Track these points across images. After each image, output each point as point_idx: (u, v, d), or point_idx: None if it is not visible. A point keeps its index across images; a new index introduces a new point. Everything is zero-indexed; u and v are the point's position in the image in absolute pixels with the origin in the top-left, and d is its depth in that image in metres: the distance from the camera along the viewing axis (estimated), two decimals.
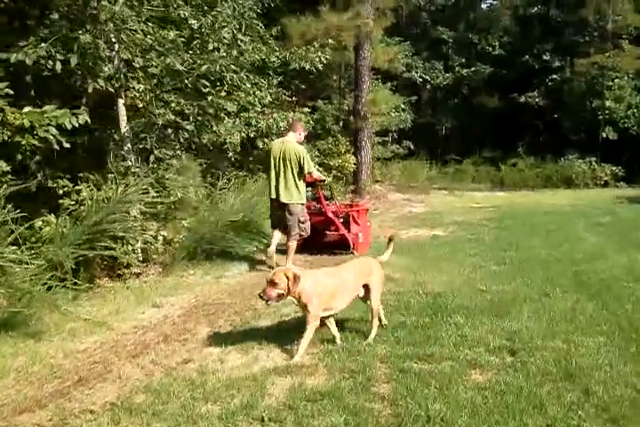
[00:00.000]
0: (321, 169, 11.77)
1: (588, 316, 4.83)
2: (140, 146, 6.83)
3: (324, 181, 7.70)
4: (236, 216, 7.47)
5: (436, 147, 26.42)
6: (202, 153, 12.45)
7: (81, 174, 6.28)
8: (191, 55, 6.54)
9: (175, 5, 7.67)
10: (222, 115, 10.95)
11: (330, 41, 12.86)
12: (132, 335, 4.71)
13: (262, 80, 11.42)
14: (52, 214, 5.88)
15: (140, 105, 7.38)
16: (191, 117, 6.94)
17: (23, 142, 5.29)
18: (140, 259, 6.94)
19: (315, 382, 3.66)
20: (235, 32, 6.95)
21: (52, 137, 5.18)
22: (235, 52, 6.99)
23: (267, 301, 4.05)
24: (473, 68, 26.12)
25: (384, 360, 3.99)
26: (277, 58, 11.57)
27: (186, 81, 6.46)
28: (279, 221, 6.95)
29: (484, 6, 30.78)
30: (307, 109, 13.49)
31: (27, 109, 5.39)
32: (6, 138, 5.33)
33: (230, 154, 10.60)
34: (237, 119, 10.81)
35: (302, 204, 6.91)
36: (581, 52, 22.93)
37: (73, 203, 5.93)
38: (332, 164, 14.23)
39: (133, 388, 3.66)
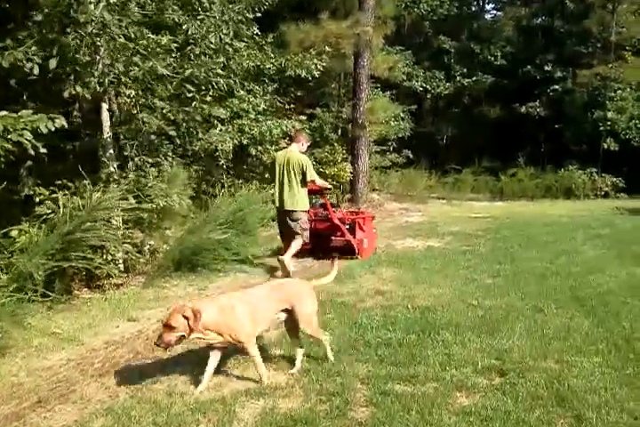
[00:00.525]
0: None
1: (584, 334, 4.59)
2: (125, 152, 6.61)
3: (330, 188, 8.13)
4: (223, 231, 7.22)
5: (435, 156, 26.21)
6: (196, 160, 12.32)
7: (59, 182, 6.05)
8: (176, 59, 6.34)
9: (170, 10, 7.56)
10: (215, 122, 10.82)
11: (327, 48, 12.67)
12: (103, 351, 4.48)
13: (257, 87, 11.28)
14: (29, 223, 5.66)
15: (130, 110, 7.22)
16: (178, 124, 6.72)
17: None
18: (122, 269, 6.75)
19: (289, 406, 3.43)
20: (222, 37, 6.76)
21: (26, 141, 4.97)
22: (222, 58, 6.79)
23: (165, 348, 3.61)
24: (474, 78, 25.95)
25: (365, 381, 3.76)
26: (273, 65, 11.41)
27: (169, 86, 6.26)
28: (287, 230, 7.19)
29: (487, 17, 30.79)
30: (303, 117, 13.31)
31: (1, 114, 5.18)
32: None
33: (222, 161, 10.41)
34: (230, 126, 10.65)
35: (305, 211, 7.20)
36: (584, 63, 22.79)
37: (50, 211, 5.71)
38: (327, 172, 14.02)
39: (94, 411, 3.42)
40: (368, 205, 15.39)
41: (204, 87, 6.60)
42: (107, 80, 6.51)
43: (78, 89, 5.71)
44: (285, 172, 7.02)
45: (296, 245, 7.10)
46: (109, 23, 5.31)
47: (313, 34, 14.31)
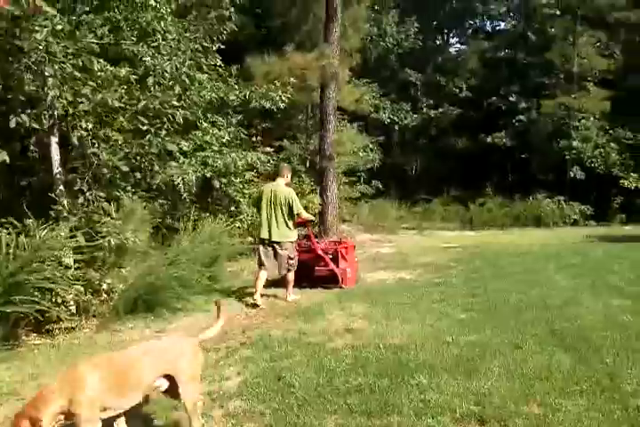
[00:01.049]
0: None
1: (565, 372, 4.30)
2: (76, 188, 6.23)
3: (313, 220, 8.44)
4: (182, 268, 6.84)
5: (405, 186, 26.24)
6: (161, 194, 11.92)
7: (4, 220, 5.63)
8: (128, 91, 6.05)
9: (128, 42, 7.31)
10: (177, 154, 10.49)
11: (293, 80, 12.55)
12: None
13: (220, 119, 11.03)
14: None
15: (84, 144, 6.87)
16: (131, 158, 6.38)
17: None
18: (74, 312, 6.28)
19: None
20: (178, 66, 6.51)
21: None
22: (178, 89, 6.51)
23: None
24: (441, 110, 26.31)
25: None
26: (237, 96, 11.20)
27: (121, 118, 5.96)
28: (267, 259, 7.35)
29: (452, 50, 31.40)
30: (269, 149, 13.08)
31: None
32: None
33: (185, 195, 10.05)
34: (193, 159, 10.34)
35: (292, 242, 7.44)
36: (548, 94, 23.24)
37: None
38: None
39: None
40: (338, 236, 15.08)
41: (158, 120, 6.28)
42: (56, 112, 6.20)
43: (24, 118, 5.36)
44: (273, 205, 7.27)
45: (290, 280, 7.44)
46: (55, 50, 5.00)
47: (278, 66, 14.26)
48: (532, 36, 25.92)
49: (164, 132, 6.38)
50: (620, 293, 7.21)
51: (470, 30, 30.87)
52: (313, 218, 8.52)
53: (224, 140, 10.55)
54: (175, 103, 6.26)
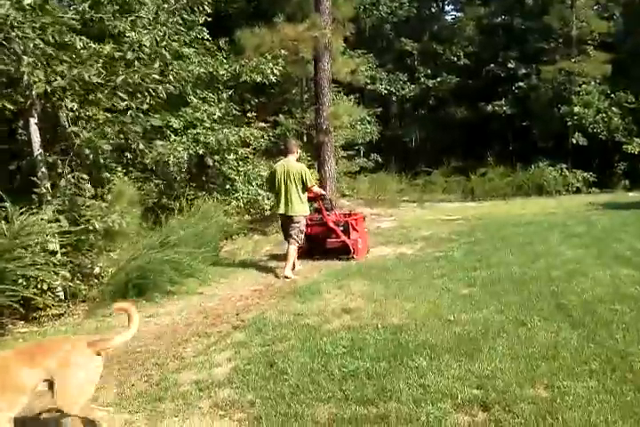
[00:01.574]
0: None
1: (573, 351, 4.07)
2: (60, 170, 5.95)
3: (325, 194, 8.62)
4: (175, 251, 6.61)
5: (405, 159, 25.89)
6: (155, 174, 11.65)
7: None
8: (106, 66, 5.71)
9: (112, 17, 6.96)
10: (168, 132, 10.18)
11: (284, 52, 12.12)
12: None
13: (211, 94, 10.68)
14: None
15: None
16: (111, 137, 6.06)
17: None
18: (62, 298, 6.08)
19: None
20: (158, 39, 6.16)
21: None
22: (157, 63, 6.17)
23: None
24: (439, 79, 25.75)
25: None
26: (227, 71, 10.82)
27: (100, 95, 5.64)
28: (286, 231, 7.73)
29: (447, 18, 30.66)
30: (263, 124, 12.73)
31: None
32: None
33: (176, 174, 9.79)
34: (185, 136, 10.04)
35: (305, 216, 7.72)
36: (547, 59, 22.67)
37: None
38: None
39: None
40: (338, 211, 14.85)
41: (139, 94, 5.96)
42: (34, 93, 5.89)
43: None
44: (286, 182, 7.49)
45: (291, 254, 7.56)
46: (21, 25, 4.66)
47: (269, 38, 13.74)
48: (528, 0, 25.20)
49: (145, 106, 6.04)
50: (627, 262, 6.94)
51: None
52: (324, 192, 8.73)
53: (215, 117, 10.23)
54: (156, 77, 5.91)
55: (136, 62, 5.88)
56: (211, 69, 10.38)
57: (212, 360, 4.35)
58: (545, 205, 15.70)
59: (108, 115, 6.48)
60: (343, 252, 8.44)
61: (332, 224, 8.43)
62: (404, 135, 27.20)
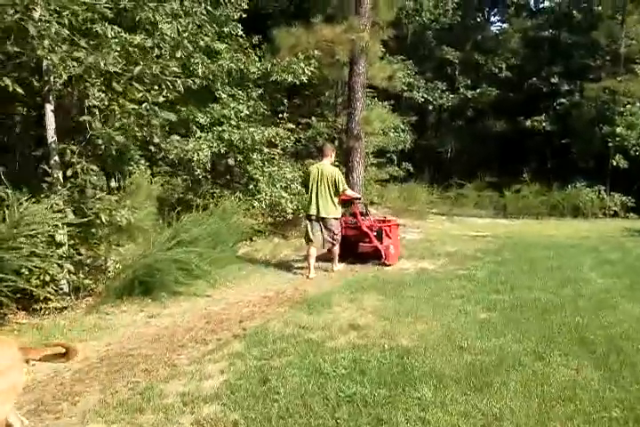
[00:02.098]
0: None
1: (593, 393, 3.71)
2: (73, 160, 5.79)
3: (359, 198, 8.81)
4: (185, 250, 6.40)
5: (438, 170, 25.42)
6: (183, 170, 11.53)
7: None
8: (123, 54, 5.53)
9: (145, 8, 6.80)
10: (194, 128, 10.03)
11: (317, 52, 11.87)
12: None
13: (240, 92, 10.50)
14: None
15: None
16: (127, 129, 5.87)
17: None
18: (66, 291, 5.92)
19: None
20: (180, 30, 5.97)
21: None
22: (179, 54, 5.97)
23: None
24: (479, 90, 25.21)
25: None
26: (258, 69, 10.62)
27: (115, 84, 5.46)
28: (314, 235, 7.86)
29: (492, 29, 30.10)
30: (291, 125, 12.47)
31: None
32: None
33: (199, 171, 9.61)
34: (210, 133, 9.88)
35: (337, 218, 7.95)
36: (592, 76, 21.97)
37: None
38: None
39: None
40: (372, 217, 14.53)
41: (156, 87, 5.77)
42: (52, 78, 5.75)
43: (7, 82, 4.91)
44: (319, 183, 7.73)
45: (334, 252, 8.04)
46: (32, 6, 4.49)
47: (305, 39, 13.51)
48: (577, 15, 24.51)
49: (161, 99, 5.84)
50: None
51: (512, 8, 29.40)
52: (359, 196, 8.94)
53: (242, 115, 10.03)
54: (175, 69, 5.71)
55: (156, 50, 5.68)
56: (242, 67, 10.19)
57: (204, 371, 4.11)
58: (579, 228, 15.12)
59: (129, 104, 6.29)
60: (375, 257, 8.56)
61: (365, 228, 8.52)
62: (439, 146, 26.72)
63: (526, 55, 25.89)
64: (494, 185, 21.56)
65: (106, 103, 5.80)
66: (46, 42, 4.87)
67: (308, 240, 7.89)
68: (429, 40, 25.96)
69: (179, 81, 5.67)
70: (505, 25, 29.11)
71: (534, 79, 24.21)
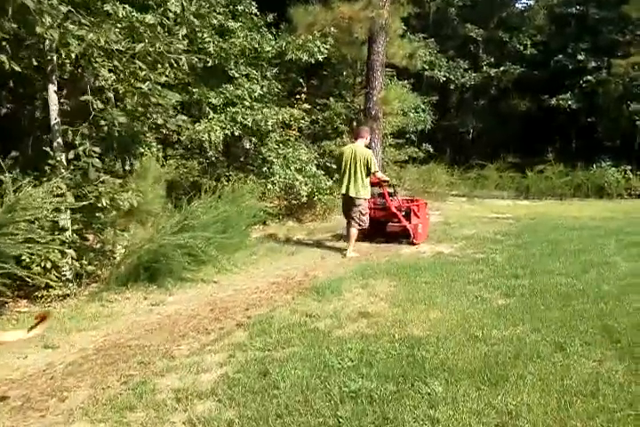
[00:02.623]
0: None
1: (617, 388, 3.44)
2: (68, 140, 5.59)
3: (388, 181, 8.86)
4: (190, 235, 6.18)
5: (459, 151, 24.96)
6: (200, 152, 11.34)
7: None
8: (124, 31, 5.29)
9: None
10: (207, 109, 9.80)
11: (333, 30, 11.51)
12: None
13: (255, 71, 10.21)
14: None
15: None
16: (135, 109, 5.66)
17: None
18: (69, 278, 5.77)
19: None
20: (185, 4, 5.70)
21: None
22: (184, 30, 5.71)
23: None
24: (502, 68, 24.60)
25: None
26: (272, 47, 10.31)
27: (117, 62, 5.24)
28: (348, 213, 8.09)
29: (518, 5, 29.26)
30: (307, 106, 12.16)
31: None
32: None
33: (211, 153, 9.39)
34: (223, 115, 9.64)
35: (366, 199, 8.08)
36: (620, 53, 21.20)
37: None
38: (335, 167, 12.89)
39: None
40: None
41: (160, 66, 5.53)
42: (54, 56, 5.55)
43: (3, 59, 4.71)
44: (352, 165, 7.85)
45: (352, 235, 8.04)
46: None
47: (322, 16, 13.15)
48: None
49: (163, 79, 5.60)
50: None
51: None
52: (387, 178, 9.00)
53: (256, 95, 9.74)
54: (180, 46, 5.46)
55: (158, 28, 5.43)
56: (256, 45, 9.89)
57: (202, 363, 3.91)
58: (604, 209, 14.63)
59: (134, 82, 6.05)
60: (403, 236, 8.80)
61: (394, 209, 8.69)
62: (461, 126, 26.20)
63: (552, 32, 25.20)
64: (516, 166, 21.05)
65: (110, 83, 5.57)
66: (48, 19, 4.64)
67: (345, 216, 8.24)
68: (452, 17, 25.27)
69: (183, 59, 5.40)
70: (531, 1, 28.45)
71: (560, 56, 23.51)
